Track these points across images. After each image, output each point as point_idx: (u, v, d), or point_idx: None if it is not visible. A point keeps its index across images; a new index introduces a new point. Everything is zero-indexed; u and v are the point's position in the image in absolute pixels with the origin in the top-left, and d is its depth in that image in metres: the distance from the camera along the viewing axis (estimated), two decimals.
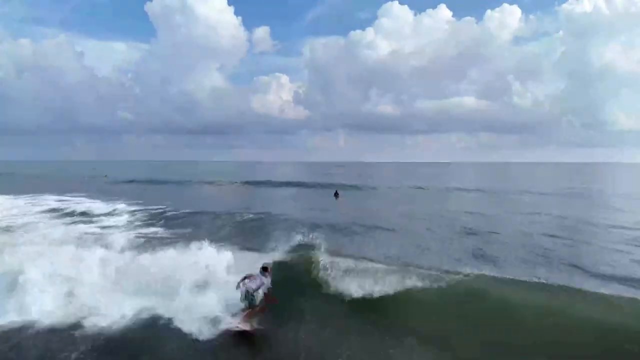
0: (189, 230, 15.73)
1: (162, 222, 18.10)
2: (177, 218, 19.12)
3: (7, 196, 27.96)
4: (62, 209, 22.10)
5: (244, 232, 15.71)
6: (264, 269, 8.39)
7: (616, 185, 49.17)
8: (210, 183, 49.91)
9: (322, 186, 42.64)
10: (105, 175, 63.70)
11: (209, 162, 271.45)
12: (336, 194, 34.23)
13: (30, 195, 29.29)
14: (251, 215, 19.45)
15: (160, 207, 22.24)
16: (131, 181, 51.61)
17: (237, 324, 7.67)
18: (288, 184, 47.29)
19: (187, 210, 20.95)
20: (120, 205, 22.44)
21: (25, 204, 24.83)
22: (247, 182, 49.52)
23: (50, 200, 26.10)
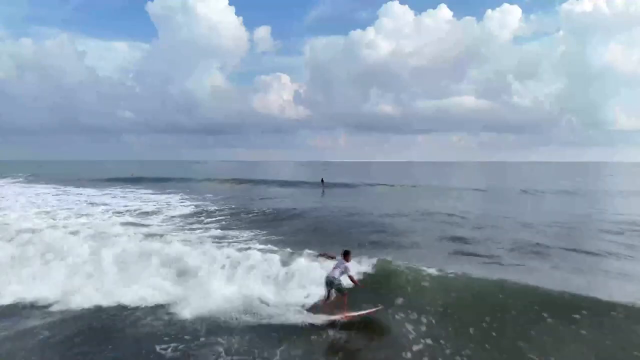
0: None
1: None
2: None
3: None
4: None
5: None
6: (345, 254, 8.60)
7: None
8: (225, 181, 57.46)
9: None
10: (132, 174, 70.14)
11: (211, 162, 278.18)
12: (322, 181, 48.59)
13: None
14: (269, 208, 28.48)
15: (205, 199, 30.88)
16: (166, 179, 57.30)
17: (334, 314, 8.24)
18: (290, 183, 53.18)
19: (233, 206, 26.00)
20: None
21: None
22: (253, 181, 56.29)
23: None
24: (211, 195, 34.55)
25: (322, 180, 49.75)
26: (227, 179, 60.41)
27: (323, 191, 42.23)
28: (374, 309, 8.50)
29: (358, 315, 8.39)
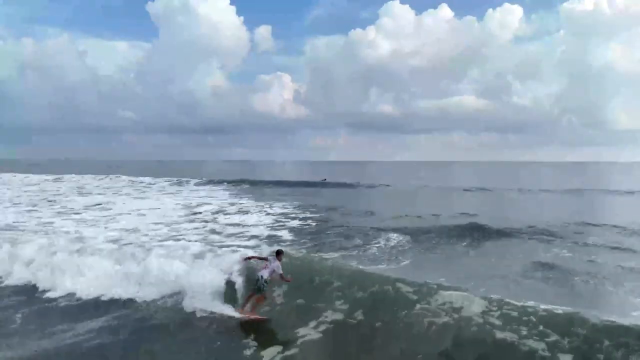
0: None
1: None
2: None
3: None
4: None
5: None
6: (278, 253, 8.98)
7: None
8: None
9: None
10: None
11: (212, 162, 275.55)
12: (324, 180, 54.75)
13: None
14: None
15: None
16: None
17: (246, 313, 8.67)
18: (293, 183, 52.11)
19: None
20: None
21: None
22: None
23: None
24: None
25: (325, 179, 54.98)
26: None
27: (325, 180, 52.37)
28: (261, 318, 8.72)
29: (249, 317, 8.66)
